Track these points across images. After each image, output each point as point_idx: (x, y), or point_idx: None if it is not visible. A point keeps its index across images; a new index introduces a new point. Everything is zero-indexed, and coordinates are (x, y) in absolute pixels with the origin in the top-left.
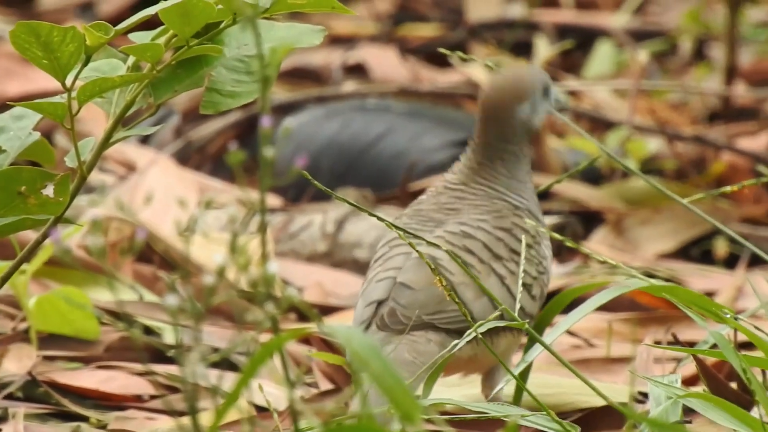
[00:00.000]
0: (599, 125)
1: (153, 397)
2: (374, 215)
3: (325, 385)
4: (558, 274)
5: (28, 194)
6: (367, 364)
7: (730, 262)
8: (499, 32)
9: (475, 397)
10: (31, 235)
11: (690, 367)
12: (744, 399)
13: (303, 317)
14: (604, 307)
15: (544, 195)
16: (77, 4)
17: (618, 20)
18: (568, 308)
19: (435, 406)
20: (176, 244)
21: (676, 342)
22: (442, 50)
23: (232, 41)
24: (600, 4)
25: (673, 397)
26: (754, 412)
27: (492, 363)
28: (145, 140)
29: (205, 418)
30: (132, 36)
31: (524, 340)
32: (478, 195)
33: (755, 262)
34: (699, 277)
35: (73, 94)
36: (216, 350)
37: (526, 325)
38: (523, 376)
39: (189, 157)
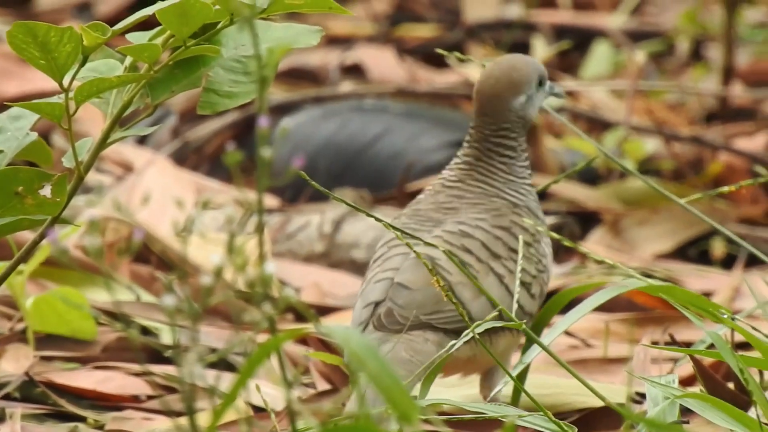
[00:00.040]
0: (596, 125)
1: (150, 398)
2: (371, 216)
3: (323, 386)
4: (555, 275)
5: (26, 194)
6: (364, 364)
7: (728, 263)
8: (497, 33)
9: (473, 397)
10: (28, 236)
11: (687, 368)
12: (741, 399)
13: (300, 318)
14: (602, 308)
15: (542, 195)
16: (74, 4)
17: (615, 21)
18: (566, 308)
19: (432, 407)
20: (173, 245)
21: (673, 342)
22: (440, 51)
23: (229, 42)
24: (597, 4)
25: (670, 397)
26: (752, 413)
27: (491, 363)
28: (142, 140)
29: (203, 419)
30: (129, 36)
31: (524, 339)
32: (476, 193)
33: (752, 262)
34: (696, 278)
35: (71, 94)
36: (213, 350)
37: (524, 326)
38: (521, 376)
39: (186, 157)
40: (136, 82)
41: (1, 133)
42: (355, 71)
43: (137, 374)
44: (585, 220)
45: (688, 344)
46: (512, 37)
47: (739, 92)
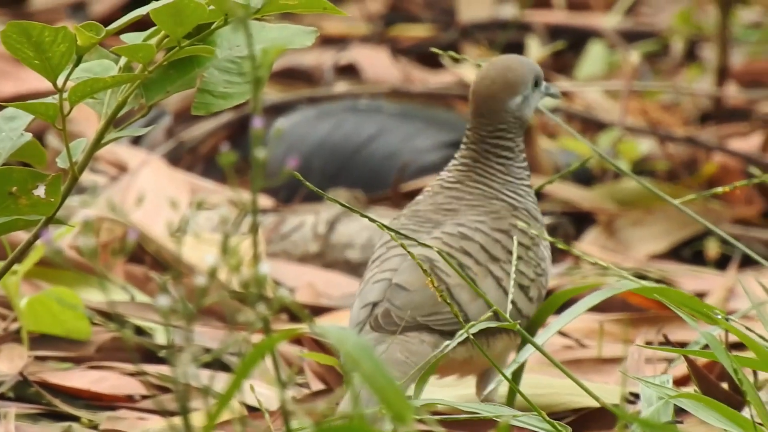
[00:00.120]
0: (591, 126)
1: (144, 398)
2: (366, 216)
3: (317, 386)
4: (551, 275)
5: (20, 195)
6: (358, 364)
7: (722, 263)
8: (491, 33)
9: (468, 397)
10: (22, 236)
11: (681, 368)
12: (735, 399)
13: (294, 318)
14: (596, 308)
15: (536, 196)
16: (69, 4)
17: (610, 21)
18: (561, 309)
19: (427, 407)
20: (168, 245)
21: (667, 343)
22: (434, 51)
23: (223, 42)
24: (592, 4)
25: (664, 397)
26: (745, 413)
27: (487, 365)
28: (136, 141)
29: (197, 419)
30: (124, 36)
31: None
32: (475, 195)
33: (746, 262)
34: (690, 278)
35: (65, 94)
36: (207, 351)
37: (518, 326)
38: (516, 376)
39: (181, 157)
40: (131, 82)
41: None
42: (349, 71)
43: (131, 374)
44: (579, 220)
45: (682, 344)
46: (507, 37)
47: (733, 93)
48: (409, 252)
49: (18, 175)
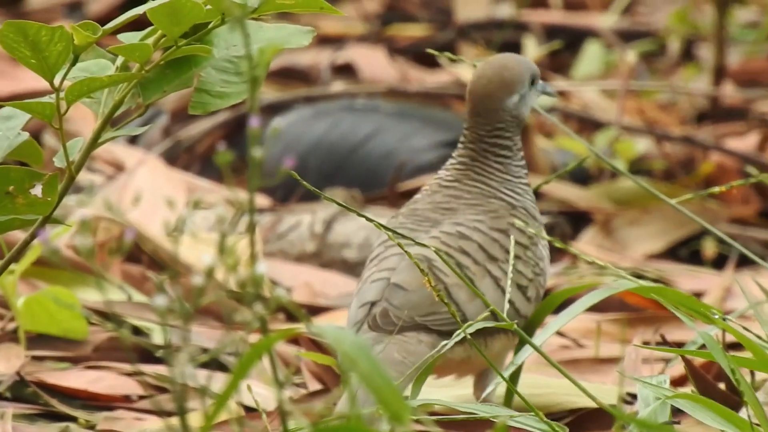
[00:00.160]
0: (588, 125)
1: (141, 398)
2: (363, 215)
3: (314, 386)
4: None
5: (17, 194)
6: (355, 364)
7: (719, 263)
8: (488, 32)
9: (465, 397)
10: (19, 235)
11: (678, 368)
12: (732, 400)
13: (292, 317)
14: (593, 308)
15: (534, 195)
16: (65, 3)
17: (606, 21)
18: (559, 309)
19: (424, 407)
20: (165, 245)
21: (664, 342)
22: (430, 51)
23: (220, 42)
24: (588, 4)
25: (661, 397)
26: (743, 413)
27: (485, 365)
28: (133, 140)
29: (194, 419)
30: (120, 36)
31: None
32: (473, 193)
33: (743, 262)
34: (687, 278)
35: (62, 94)
36: (205, 350)
37: (515, 326)
38: (514, 377)
39: (177, 157)
40: (128, 81)
41: None
42: (346, 71)
43: (128, 374)
44: (576, 219)
45: (679, 344)
46: (503, 36)
47: (730, 92)
48: (406, 251)
49: (15, 174)
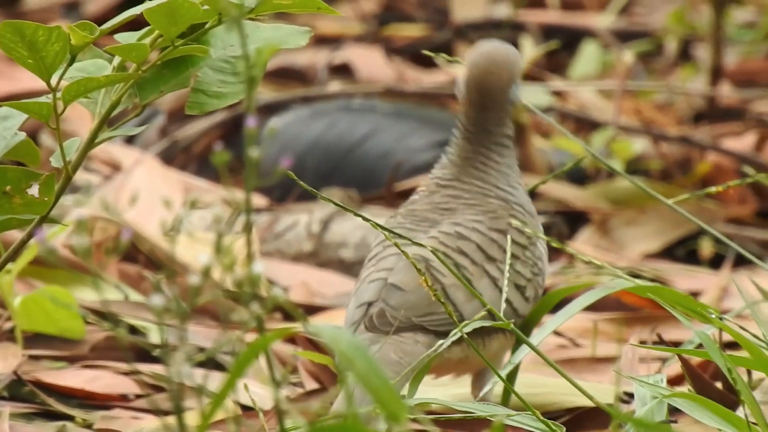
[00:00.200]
0: (585, 125)
1: (138, 397)
2: (360, 215)
3: (311, 385)
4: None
5: (14, 194)
6: (352, 364)
7: (716, 263)
8: (485, 32)
9: (462, 396)
10: (16, 235)
11: (675, 367)
12: (729, 399)
13: (288, 317)
14: (590, 307)
15: (530, 195)
16: (62, 3)
17: (603, 21)
18: (556, 308)
19: (421, 406)
20: (161, 244)
21: (661, 342)
22: (427, 52)
23: (217, 42)
24: (585, 4)
25: (658, 396)
26: (740, 412)
27: (483, 364)
28: (130, 140)
29: (191, 418)
30: (117, 36)
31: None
32: (472, 192)
33: (740, 262)
34: (684, 277)
35: (59, 93)
36: (202, 350)
37: (512, 326)
38: (512, 376)
39: (174, 156)
40: (125, 81)
41: None
42: (343, 71)
43: (125, 373)
44: (573, 219)
45: (676, 344)
46: (500, 36)
47: (727, 92)
48: (403, 252)
49: (12, 174)
